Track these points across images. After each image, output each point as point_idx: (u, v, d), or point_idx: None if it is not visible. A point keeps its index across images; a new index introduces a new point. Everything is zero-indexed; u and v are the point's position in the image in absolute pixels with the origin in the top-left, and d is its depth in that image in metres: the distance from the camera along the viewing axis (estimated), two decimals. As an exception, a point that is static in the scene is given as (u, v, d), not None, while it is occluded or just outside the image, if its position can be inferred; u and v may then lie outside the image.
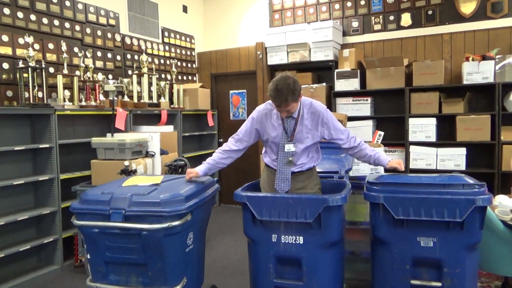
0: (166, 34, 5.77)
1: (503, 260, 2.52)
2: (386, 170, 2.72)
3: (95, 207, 2.21)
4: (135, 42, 5.21)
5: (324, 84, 5.24)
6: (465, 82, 4.49)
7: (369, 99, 4.98)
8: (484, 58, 4.47)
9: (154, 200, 2.17)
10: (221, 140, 6.32)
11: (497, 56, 4.40)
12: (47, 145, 3.65)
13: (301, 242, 2.28)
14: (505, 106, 4.38)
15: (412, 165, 4.71)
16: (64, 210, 3.75)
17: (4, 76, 3.70)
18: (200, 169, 2.58)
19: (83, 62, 4.27)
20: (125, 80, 4.71)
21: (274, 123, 2.60)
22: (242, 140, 2.66)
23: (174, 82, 5.51)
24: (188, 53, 6.24)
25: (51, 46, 4.08)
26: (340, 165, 3.26)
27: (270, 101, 2.65)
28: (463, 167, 4.42)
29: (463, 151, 4.47)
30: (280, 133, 2.59)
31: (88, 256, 2.30)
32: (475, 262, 2.24)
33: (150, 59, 5.33)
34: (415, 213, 2.16)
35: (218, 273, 3.63)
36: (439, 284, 2.19)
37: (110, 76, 4.76)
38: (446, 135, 4.77)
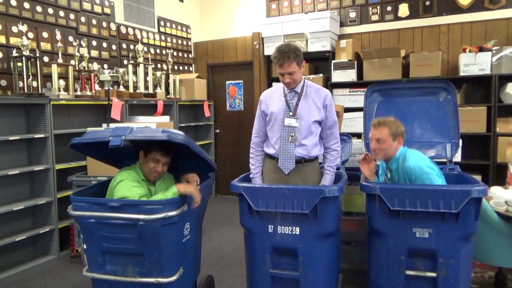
0: (162, 23, 5.71)
1: (497, 250, 2.54)
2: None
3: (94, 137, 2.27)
4: (130, 31, 5.16)
5: (321, 75, 5.23)
6: (461, 74, 4.49)
7: (366, 90, 4.95)
8: (481, 49, 4.47)
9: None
10: (218, 131, 6.30)
11: (494, 48, 4.39)
12: (42, 135, 3.63)
13: (297, 233, 2.29)
14: (501, 98, 4.39)
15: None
16: (60, 200, 3.75)
17: (-3, 65, 3.66)
18: (259, 178, 2.70)
19: (78, 51, 4.22)
20: (121, 70, 4.67)
21: (277, 99, 2.62)
22: (259, 129, 2.72)
23: (170, 72, 5.47)
24: (184, 43, 6.19)
25: (45, 34, 4.03)
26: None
27: (275, 85, 2.69)
28: (458, 159, 4.43)
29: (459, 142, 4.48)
30: (282, 108, 2.58)
31: (85, 246, 2.29)
32: (470, 253, 2.26)
33: (146, 49, 5.29)
34: (411, 204, 2.17)
35: (215, 264, 3.65)
36: (434, 274, 2.21)
37: (105, 66, 4.71)
38: (442, 126, 4.78)
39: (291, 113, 2.55)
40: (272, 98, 2.65)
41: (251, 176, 2.72)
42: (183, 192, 2.18)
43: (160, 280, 2.20)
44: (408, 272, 2.25)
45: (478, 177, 3.60)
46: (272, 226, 2.33)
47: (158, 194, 2.30)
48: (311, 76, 5.19)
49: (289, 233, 2.31)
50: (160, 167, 2.43)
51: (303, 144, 2.57)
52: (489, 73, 4.37)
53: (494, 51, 4.38)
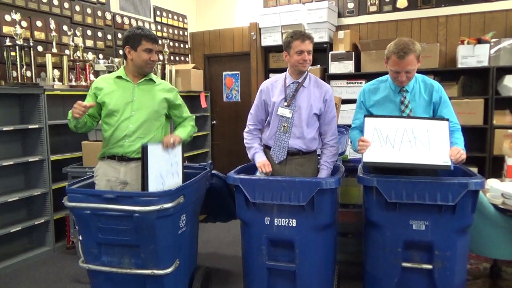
0: (158, 13, 5.65)
1: (493, 243, 2.55)
2: None
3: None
4: (126, 21, 5.09)
5: (319, 66, 5.20)
6: (459, 66, 4.47)
7: (363, 82, 4.94)
8: (479, 41, 4.44)
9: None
10: (214, 122, 6.27)
11: (493, 40, 4.38)
12: (36, 126, 3.59)
13: (294, 225, 2.29)
14: (498, 90, 4.38)
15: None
16: (55, 192, 3.73)
17: (-9, 54, 3.61)
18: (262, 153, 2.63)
19: (73, 41, 4.17)
20: (116, 60, 4.60)
21: (279, 90, 2.60)
22: (257, 117, 2.68)
23: (166, 62, 5.42)
24: (181, 33, 6.13)
25: (39, 23, 3.97)
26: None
27: (275, 76, 2.70)
28: (455, 151, 4.44)
29: (456, 135, 4.48)
30: (281, 98, 2.57)
31: (80, 238, 2.28)
32: (466, 245, 2.27)
33: (141, 39, 5.22)
34: (408, 197, 2.17)
35: (211, 255, 3.65)
36: (430, 266, 2.22)
37: (100, 56, 4.66)
38: (439, 118, 4.77)
39: (285, 103, 2.53)
40: (275, 89, 2.61)
41: (254, 152, 2.62)
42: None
43: (156, 272, 2.19)
44: (404, 264, 2.25)
45: (474, 170, 3.60)
46: (269, 218, 2.33)
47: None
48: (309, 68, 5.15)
49: (286, 225, 2.30)
50: (154, 56, 2.54)
51: (302, 136, 2.54)
52: (487, 65, 4.36)
53: (492, 43, 4.36)
